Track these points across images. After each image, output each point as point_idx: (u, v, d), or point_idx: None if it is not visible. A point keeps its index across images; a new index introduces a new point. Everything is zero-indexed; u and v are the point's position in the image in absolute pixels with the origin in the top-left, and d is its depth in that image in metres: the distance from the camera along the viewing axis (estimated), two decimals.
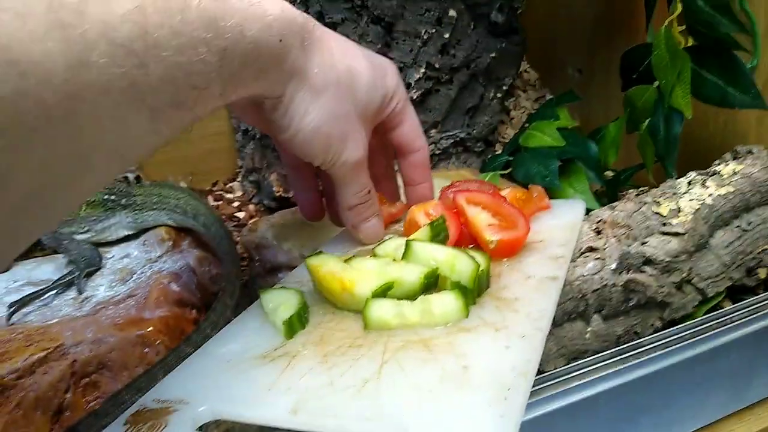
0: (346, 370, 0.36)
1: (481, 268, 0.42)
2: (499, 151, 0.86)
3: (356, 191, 0.48)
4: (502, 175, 0.75)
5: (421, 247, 0.44)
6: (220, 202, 0.90)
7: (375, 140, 0.50)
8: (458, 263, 0.41)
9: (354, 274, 0.43)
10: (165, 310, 0.47)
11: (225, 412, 0.35)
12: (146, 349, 0.43)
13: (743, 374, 0.48)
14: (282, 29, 0.37)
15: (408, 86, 0.76)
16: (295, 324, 0.41)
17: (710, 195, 0.53)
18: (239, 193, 0.92)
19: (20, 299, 0.52)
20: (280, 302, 0.43)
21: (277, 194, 0.83)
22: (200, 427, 0.34)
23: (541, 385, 0.41)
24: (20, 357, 0.42)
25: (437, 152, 0.82)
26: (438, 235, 0.46)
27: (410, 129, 0.54)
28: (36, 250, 0.74)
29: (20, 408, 0.40)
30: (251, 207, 0.89)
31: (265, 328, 0.43)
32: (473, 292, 0.41)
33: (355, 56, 0.46)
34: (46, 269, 0.65)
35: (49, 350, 0.42)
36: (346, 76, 0.44)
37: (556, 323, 0.46)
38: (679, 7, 0.56)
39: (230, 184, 0.95)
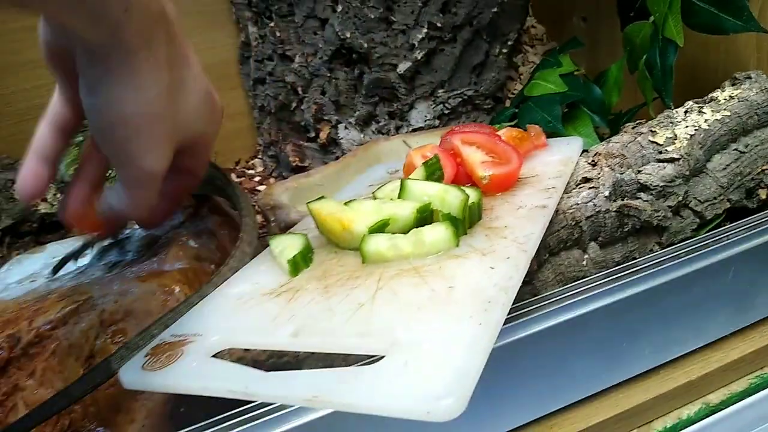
0: (343, 298, 0.39)
1: (471, 201, 0.44)
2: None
3: (140, 202, 0.42)
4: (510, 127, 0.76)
5: (414, 184, 0.46)
6: (243, 179, 0.94)
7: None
8: (448, 196, 0.44)
9: (352, 214, 0.45)
10: (184, 263, 0.50)
11: (234, 341, 0.38)
12: (168, 298, 0.47)
13: (745, 292, 0.49)
14: None
15: (411, 48, 0.78)
16: (299, 262, 0.44)
17: (706, 120, 0.53)
18: (260, 169, 0.96)
19: (63, 257, 0.57)
20: (286, 245, 0.46)
21: (294, 164, 0.87)
22: (215, 355, 0.37)
23: (535, 306, 0.42)
24: (54, 310, 0.46)
25: (446, 111, 0.83)
26: (433, 173, 0.48)
27: (204, 162, 0.50)
28: (71, 231, 0.79)
29: (55, 355, 0.44)
30: (272, 180, 0.92)
31: (274, 269, 0.46)
32: (463, 222, 0.43)
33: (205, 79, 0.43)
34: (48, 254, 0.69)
35: (80, 303, 0.46)
36: (196, 84, 0.40)
37: (552, 251, 0.48)
38: None
39: (252, 161, 0.99)
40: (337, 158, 0.83)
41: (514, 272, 0.37)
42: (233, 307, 0.42)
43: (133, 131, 0.36)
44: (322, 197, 0.48)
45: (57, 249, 0.70)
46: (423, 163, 0.49)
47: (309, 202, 0.48)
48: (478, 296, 0.35)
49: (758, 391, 0.48)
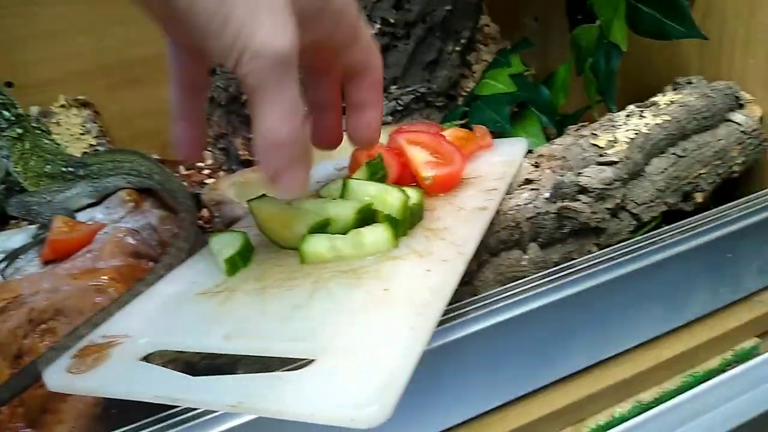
0: (279, 300, 0.38)
1: (412, 201, 0.43)
2: None
3: (281, 113, 0.31)
4: (460, 126, 0.76)
5: (356, 184, 0.46)
6: (192, 171, 0.92)
7: (320, 60, 0.39)
8: (389, 197, 0.43)
9: (293, 212, 0.45)
10: (119, 260, 0.49)
11: (165, 342, 0.37)
12: (100, 297, 0.45)
13: (678, 293, 0.50)
14: None
15: None
16: (237, 262, 0.43)
17: (646, 124, 0.54)
18: (210, 162, 0.94)
19: (8, 254, 0.55)
20: (225, 244, 0.45)
21: (243, 158, 0.85)
22: (145, 358, 0.36)
23: (474, 306, 0.43)
24: None
25: (399, 108, 0.83)
26: (376, 173, 0.48)
27: (367, 45, 0.39)
28: (7, 223, 0.76)
29: None
30: (221, 174, 0.90)
31: (211, 268, 0.45)
32: (403, 223, 0.42)
33: None
34: (19, 239, 0.67)
35: (8, 300, 0.44)
36: None
37: (493, 252, 0.48)
38: None
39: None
40: None
41: (449, 275, 0.37)
42: (166, 307, 0.41)
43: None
44: (263, 195, 0.48)
45: None
46: (366, 163, 0.49)
47: (249, 200, 0.47)
48: (413, 299, 0.35)
49: (689, 389, 0.50)
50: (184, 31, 0.29)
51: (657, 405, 0.48)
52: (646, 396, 0.49)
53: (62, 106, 0.88)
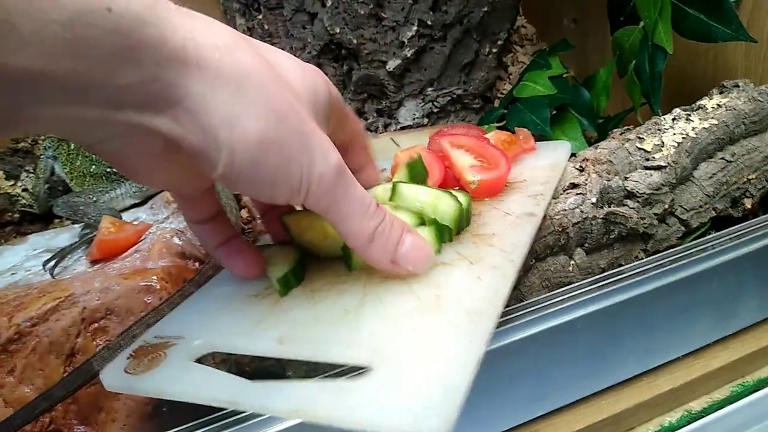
0: (330, 304, 0.38)
1: (463, 207, 0.43)
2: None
3: (362, 212, 0.35)
4: (498, 128, 0.76)
5: (407, 188, 0.45)
6: None
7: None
8: (441, 204, 0.43)
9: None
10: (167, 261, 0.50)
11: (218, 344, 0.38)
12: (149, 296, 0.46)
13: (728, 301, 0.49)
14: None
15: (401, 45, 0.78)
16: (290, 280, 0.41)
17: (693, 128, 0.53)
18: None
19: (56, 253, 0.56)
20: (278, 258, 0.43)
21: None
22: (199, 360, 0.37)
23: (521, 312, 0.42)
24: (34, 306, 0.45)
25: (435, 110, 0.83)
26: (416, 173, 0.47)
27: (354, 117, 0.44)
28: (51, 221, 0.78)
29: (36, 352, 0.44)
30: None
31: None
32: (450, 230, 0.42)
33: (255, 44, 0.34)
34: (64, 238, 0.68)
35: (61, 299, 0.45)
36: (260, 61, 0.31)
37: (539, 257, 0.48)
38: None
39: None
40: None
41: (501, 284, 0.37)
42: (217, 308, 0.42)
43: (279, 153, 0.30)
44: (296, 211, 0.47)
45: (38, 241, 0.69)
46: (406, 164, 0.48)
47: (283, 215, 0.46)
48: (466, 307, 0.35)
49: (739, 399, 0.49)
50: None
51: (706, 415, 0.47)
52: (696, 405, 0.48)
53: None
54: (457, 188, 0.49)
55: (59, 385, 0.39)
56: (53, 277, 0.54)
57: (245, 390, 0.32)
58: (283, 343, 0.36)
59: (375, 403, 0.29)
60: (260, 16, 0.83)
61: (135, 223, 0.60)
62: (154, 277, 0.47)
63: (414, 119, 0.82)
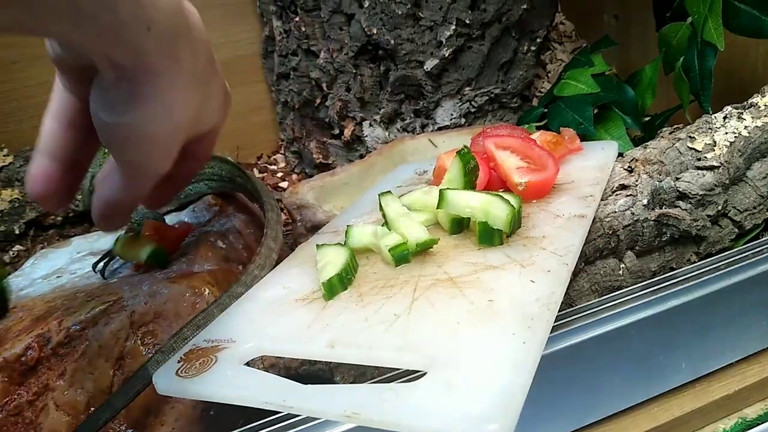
0: (379, 308, 0.38)
1: (515, 209, 0.42)
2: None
3: (134, 194, 0.36)
4: (538, 128, 0.75)
5: (456, 195, 0.44)
6: (265, 174, 0.93)
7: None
8: (493, 208, 0.41)
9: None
10: (212, 264, 0.50)
11: (268, 348, 0.38)
12: (197, 299, 0.46)
13: None
14: None
15: (439, 44, 0.77)
16: (336, 285, 0.41)
17: (746, 127, 0.52)
18: (282, 165, 0.96)
19: (103, 255, 0.57)
20: (329, 260, 0.43)
21: (317, 161, 0.86)
22: (248, 363, 0.37)
23: (572, 317, 0.41)
24: (83, 310, 0.46)
25: (472, 110, 0.82)
26: (468, 162, 0.46)
27: (211, 148, 0.42)
28: (93, 225, 0.79)
29: (86, 356, 0.44)
30: (294, 177, 0.92)
31: (305, 273, 0.45)
32: (501, 233, 0.41)
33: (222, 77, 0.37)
34: (106, 241, 0.70)
35: (110, 303, 0.46)
36: (219, 88, 0.36)
37: (588, 260, 0.47)
38: None
39: (274, 157, 0.98)
40: (362, 156, 0.83)
41: (555, 287, 0.36)
42: (265, 312, 0.42)
43: (154, 145, 0.33)
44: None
45: (82, 243, 0.70)
46: (457, 153, 0.47)
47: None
48: (520, 312, 0.34)
49: None
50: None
51: (762, 422, 0.46)
52: (751, 412, 0.47)
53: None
54: (503, 190, 0.49)
55: (118, 394, 0.40)
56: (104, 278, 0.55)
57: (298, 393, 0.32)
58: (334, 346, 0.36)
59: (431, 407, 0.28)
60: (297, 18, 0.83)
61: (176, 226, 0.61)
62: (201, 281, 0.48)
63: (451, 119, 0.82)
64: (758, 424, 0.46)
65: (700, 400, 0.45)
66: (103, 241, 0.70)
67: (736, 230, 0.50)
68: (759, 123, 0.52)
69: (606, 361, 0.42)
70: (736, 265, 0.45)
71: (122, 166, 0.34)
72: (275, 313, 0.41)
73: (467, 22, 0.76)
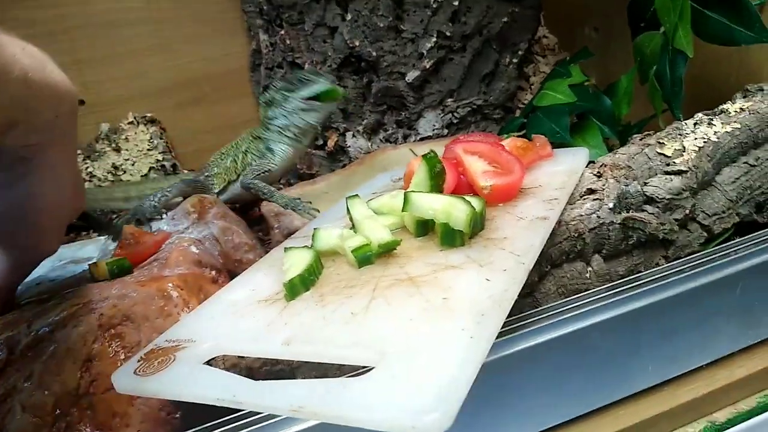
0: (338, 307, 0.38)
1: (476, 211, 0.43)
2: None
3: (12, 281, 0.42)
4: (520, 137, 0.75)
5: (419, 198, 0.44)
6: None
7: None
8: (454, 210, 0.42)
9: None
10: (183, 269, 0.50)
11: (227, 348, 0.38)
12: (165, 303, 0.47)
13: (753, 309, 0.48)
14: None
15: (420, 56, 0.78)
16: (297, 286, 0.41)
17: (716, 133, 0.52)
18: None
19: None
20: (294, 262, 0.44)
21: (301, 171, 0.87)
22: (209, 363, 0.37)
23: (536, 318, 0.42)
24: (53, 313, 0.46)
25: (455, 121, 0.83)
26: (433, 166, 0.47)
27: None
28: (79, 234, 0.80)
29: (54, 358, 0.44)
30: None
31: (271, 275, 0.46)
32: (462, 234, 0.42)
33: None
34: (90, 249, 0.70)
35: (79, 306, 0.46)
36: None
37: (555, 263, 0.47)
38: None
39: None
40: (344, 166, 0.83)
41: (510, 285, 0.36)
42: (228, 313, 0.42)
43: (48, 219, 0.37)
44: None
45: (64, 252, 0.70)
46: (422, 156, 0.47)
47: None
48: (472, 308, 0.34)
49: (766, 411, 0.47)
50: None
51: (731, 426, 0.46)
52: (720, 416, 0.46)
53: (131, 123, 0.92)
54: (471, 194, 0.49)
55: None
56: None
57: (248, 389, 0.32)
58: (290, 344, 0.36)
59: (376, 400, 0.28)
60: (282, 32, 0.84)
61: (155, 233, 0.61)
62: (170, 284, 0.48)
63: (434, 130, 0.82)
64: (728, 428, 0.46)
65: (668, 404, 0.45)
66: (86, 249, 0.71)
67: (705, 234, 0.50)
68: (728, 129, 0.53)
69: (571, 362, 0.42)
70: (703, 267, 0.45)
71: (12, 248, 0.37)
72: (237, 313, 0.41)
73: (448, 34, 0.77)
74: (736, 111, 0.54)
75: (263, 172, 0.70)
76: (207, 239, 0.60)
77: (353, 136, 0.83)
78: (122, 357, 0.46)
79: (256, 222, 0.78)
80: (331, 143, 0.84)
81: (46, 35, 0.83)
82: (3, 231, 0.36)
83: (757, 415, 0.46)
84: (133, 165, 0.90)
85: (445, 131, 0.83)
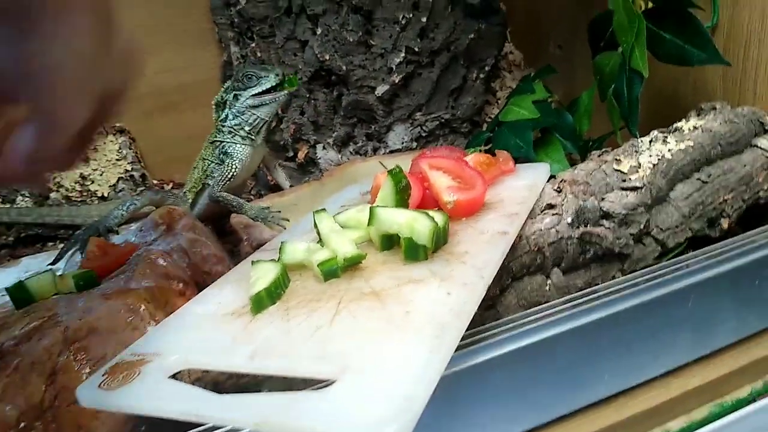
0: (303, 321, 0.39)
1: (439, 226, 0.44)
2: None
3: (52, 148, 0.35)
4: (485, 152, 0.77)
5: (384, 212, 0.46)
6: None
7: None
8: (417, 225, 0.43)
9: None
10: (151, 281, 0.50)
11: (193, 361, 0.38)
12: (132, 316, 0.47)
13: (706, 320, 0.50)
14: None
15: (390, 71, 0.79)
16: (263, 300, 0.42)
17: (670, 150, 0.54)
18: None
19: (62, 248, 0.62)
20: (261, 274, 0.44)
21: (272, 182, 0.87)
22: (174, 376, 0.38)
23: (496, 330, 0.43)
24: (18, 326, 0.46)
25: (424, 134, 0.84)
26: (399, 181, 0.48)
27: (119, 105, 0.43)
28: (45, 245, 0.79)
29: (18, 371, 0.44)
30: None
31: (238, 288, 0.46)
32: (426, 248, 0.43)
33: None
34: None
35: (44, 319, 0.46)
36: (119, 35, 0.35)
37: (515, 276, 0.49)
38: None
39: None
40: (310, 179, 0.84)
41: (469, 298, 0.37)
42: (195, 326, 0.42)
43: (63, 82, 0.31)
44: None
45: (31, 263, 0.70)
46: (388, 172, 0.49)
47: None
48: (432, 322, 0.35)
49: (718, 419, 0.49)
50: None
51: None
52: (674, 425, 0.48)
53: (99, 132, 0.91)
54: (436, 209, 0.50)
55: None
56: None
57: (211, 403, 0.33)
58: (254, 358, 0.36)
59: (334, 414, 0.29)
60: (253, 44, 0.85)
61: (122, 245, 0.61)
62: (137, 298, 0.48)
63: (403, 143, 0.84)
64: None
65: (623, 413, 0.46)
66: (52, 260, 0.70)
67: (659, 248, 0.52)
68: (682, 146, 0.55)
69: (529, 373, 0.44)
70: (657, 281, 0.47)
71: (38, 113, 0.33)
72: (204, 327, 0.42)
73: (416, 50, 0.79)
74: (689, 129, 0.56)
75: (228, 180, 0.69)
76: (175, 251, 0.60)
77: (324, 148, 0.84)
78: (87, 370, 0.46)
79: (227, 234, 0.79)
80: (301, 155, 0.84)
81: None
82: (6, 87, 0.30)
83: (710, 423, 0.48)
84: (101, 175, 0.90)
85: (414, 144, 0.84)
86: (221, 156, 0.70)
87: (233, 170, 0.69)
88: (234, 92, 0.69)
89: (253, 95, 0.68)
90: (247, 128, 0.69)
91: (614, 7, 0.60)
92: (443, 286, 0.39)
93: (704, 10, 0.59)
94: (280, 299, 0.43)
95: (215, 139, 0.71)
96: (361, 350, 0.34)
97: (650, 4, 0.61)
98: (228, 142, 0.70)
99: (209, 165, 0.70)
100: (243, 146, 0.70)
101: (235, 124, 0.69)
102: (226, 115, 0.69)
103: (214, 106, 0.72)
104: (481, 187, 0.50)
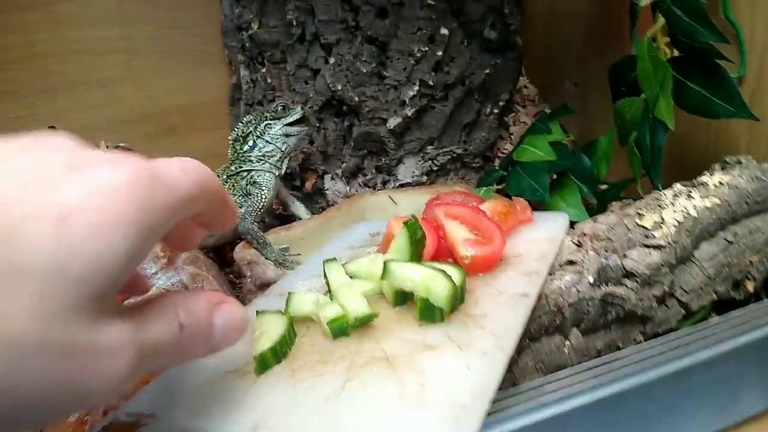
0: (309, 387, 0.37)
1: (457, 284, 0.41)
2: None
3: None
4: (497, 191, 0.75)
5: (399, 268, 0.43)
6: None
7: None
8: (433, 285, 0.40)
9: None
10: None
11: (191, 427, 0.36)
12: None
13: (728, 391, 0.47)
14: None
15: (402, 103, 0.77)
16: (268, 360, 0.40)
17: (695, 207, 0.52)
18: None
19: None
20: (266, 329, 0.42)
21: (277, 211, 0.85)
22: None
23: (511, 397, 0.40)
24: None
25: (434, 168, 0.82)
26: (414, 233, 0.46)
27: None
28: None
29: None
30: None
31: (242, 340, 0.44)
32: (442, 310, 0.41)
33: None
34: None
35: None
36: None
37: (533, 337, 0.46)
38: (661, 18, 0.56)
39: None
40: (323, 209, 0.82)
41: (490, 375, 0.35)
42: (194, 384, 0.40)
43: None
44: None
45: None
46: (404, 223, 0.46)
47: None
48: (451, 400, 0.33)
49: None
50: None
51: None
52: None
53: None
54: (450, 260, 0.48)
55: None
56: None
57: None
58: (258, 430, 0.34)
59: None
60: (264, 70, 0.83)
61: None
62: None
63: (413, 177, 0.82)
64: None
65: None
66: None
67: (683, 311, 0.50)
68: (708, 203, 0.53)
69: None
70: (681, 350, 0.44)
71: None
72: (204, 386, 0.39)
73: (431, 83, 0.77)
74: (715, 185, 0.54)
75: (258, 210, 0.70)
76: (176, 286, 0.58)
77: (332, 178, 0.82)
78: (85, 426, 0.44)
79: (229, 264, 0.76)
80: (309, 185, 0.82)
81: (14, 62, 0.81)
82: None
83: None
84: None
85: (425, 178, 0.82)
86: (248, 187, 0.71)
87: (263, 200, 0.70)
88: (266, 122, 0.71)
89: (286, 124, 0.71)
90: (278, 155, 0.72)
91: (639, 53, 0.58)
92: (461, 356, 0.37)
93: (733, 62, 0.57)
94: (285, 358, 0.41)
95: (240, 169, 0.72)
96: (374, 428, 0.32)
97: (675, 52, 0.59)
98: (257, 170, 0.71)
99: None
100: (270, 174, 0.71)
101: (267, 152, 0.71)
102: (254, 144, 0.71)
103: (232, 142, 0.72)
104: (500, 240, 0.47)
